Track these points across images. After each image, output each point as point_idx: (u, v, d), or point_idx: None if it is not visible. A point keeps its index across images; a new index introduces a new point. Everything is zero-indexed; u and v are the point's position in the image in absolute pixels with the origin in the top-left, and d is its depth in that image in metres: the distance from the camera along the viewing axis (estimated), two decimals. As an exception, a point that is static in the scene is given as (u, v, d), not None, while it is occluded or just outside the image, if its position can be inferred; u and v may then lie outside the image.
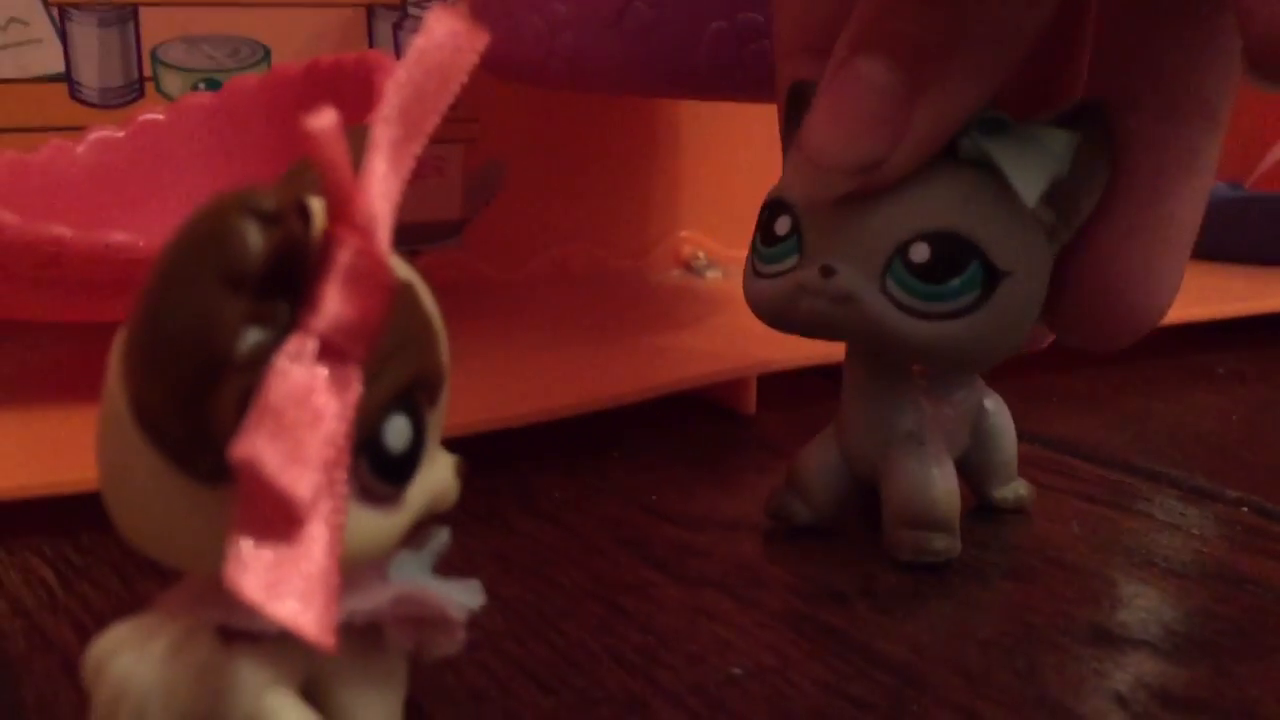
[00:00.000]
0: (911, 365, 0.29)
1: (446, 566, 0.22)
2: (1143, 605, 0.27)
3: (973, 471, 0.31)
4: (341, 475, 0.18)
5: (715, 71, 0.37)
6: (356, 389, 0.18)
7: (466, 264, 0.48)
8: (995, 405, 0.31)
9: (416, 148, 0.20)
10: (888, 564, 0.29)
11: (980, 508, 0.32)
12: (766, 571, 0.29)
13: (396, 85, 0.20)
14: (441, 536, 0.22)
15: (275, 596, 0.17)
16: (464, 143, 0.47)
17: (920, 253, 0.25)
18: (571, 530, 0.31)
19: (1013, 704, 0.23)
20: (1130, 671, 0.25)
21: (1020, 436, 0.32)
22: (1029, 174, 0.24)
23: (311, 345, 0.18)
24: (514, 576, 0.28)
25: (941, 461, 0.29)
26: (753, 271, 0.28)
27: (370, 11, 0.45)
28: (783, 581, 0.28)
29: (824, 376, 0.39)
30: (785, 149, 0.29)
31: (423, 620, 0.22)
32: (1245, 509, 0.33)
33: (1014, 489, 0.32)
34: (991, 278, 0.25)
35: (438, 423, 0.21)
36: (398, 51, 0.45)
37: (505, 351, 0.41)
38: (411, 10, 0.45)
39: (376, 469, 0.19)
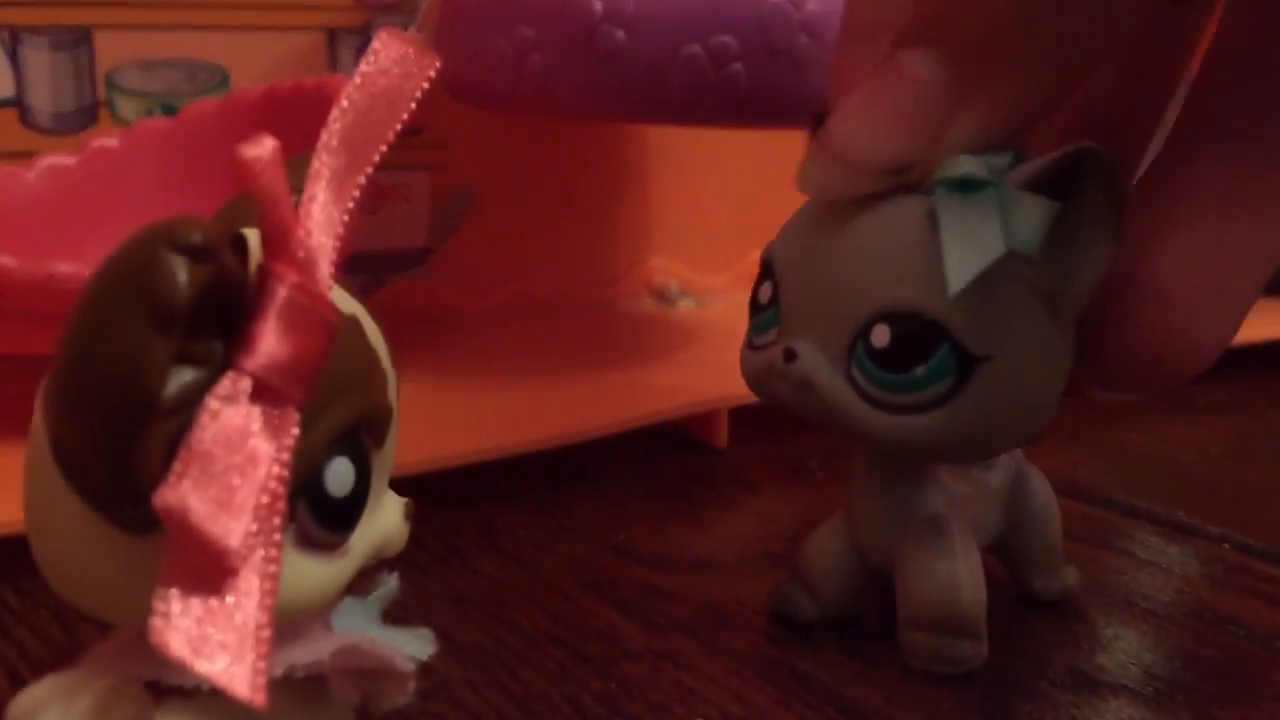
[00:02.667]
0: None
1: (400, 608, 0.21)
2: (1122, 648, 0.27)
3: (1010, 559, 0.28)
4: (277, 523, 0.17)
5: (688, 96, 0.35)
6: (294, 431, 0.17)
7: (433, 293, 0.47)
8: (1038, 483, 0.28)
9: (361, 177, 0.19)
10: (861, 605, 0.28)
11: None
12: (735, 614, 0.28)
13: (340, 112, 0.19)
14: (390, 583, 0.22)
15: (203, 653, 0.16)
16: (430, 169, 0.46)
17: (881, 336, 0.22)
18: (533, 570, 0.30)
19: (988, 755, 0.22)
20: (1110, 718, 0.24)
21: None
22: (966, 253, 0.21)
23: (245, 385, 0.17)
24: (472, 619, 0.27)
25: (966, 554, 0.25)
26: (746, 341, 0.26)
27: (332, 36, 0.44)
28: (752, 624, 0.27)
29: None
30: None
31: (369, 672, 0.21)
32: (1227, 545, 0.32)
33: (1060, 578, 0.28)
34: (965, 363, 0.22)
35: (385, 464, 0.20)
36: (361, 77, 0.45)
37: (470, 383, 0.40)
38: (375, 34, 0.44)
39: (317, 515, 0.18)
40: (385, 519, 0.20)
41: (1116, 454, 0.39)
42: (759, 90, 0.35)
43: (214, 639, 0.16)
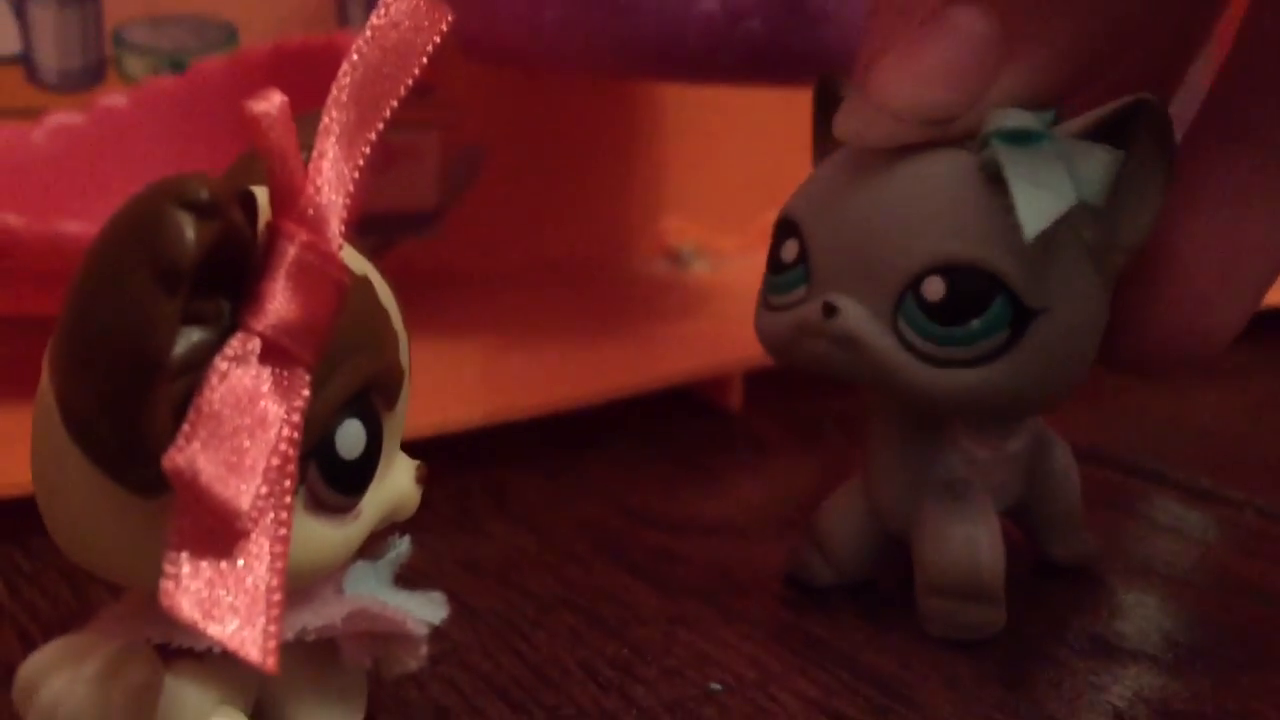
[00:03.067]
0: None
1: (412, 572, 0.21)
2: (1142, 614, 0.26)
3: (1029, 525, 0.28)
4: (288, 485, 0.17)
5: (705, 53, 0.35)
6: (304, 393, 0.17)
7: (443, 255, 0.47)
8: (1059, 449, 0.27)
9: (373, 133, 0.19)
10: (877, 570, 0.28)
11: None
12: (750, 578, 0.28)
13: (350, 67, 0.19)
14: (401, 546, 0.21)
15: (214, 616, 0.16)
16: (440, 128, 0.46)
17: (934, 289, 0.22)
18: (545, 534, 0.30)
19: (1005, 721, 0.22)
20: (1128, 684, 0.23)
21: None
22: (1039, 202, 0.21)
23: (255, 346, 0.17)
24: (483, 584, 0.27)
25: (986, 519, 0.24)
26: (762, 302, 0.25)
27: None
28: (767, 589, 0.27)
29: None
30: (815, 150, 0.27)
31: (380, 635, 0.21)
32: (1248, 511, 0.32)
33: (1080, 544, 0.28)
34: (1020, 316, 0.22)
35: (396, 426, 0.20)
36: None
37: (481, 346, 0.40)
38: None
39: (328, 477, 0.18)
40: (397, 482, 0.20)
41: (1137, 419, 0.39)
42: (775, 46, 0.34)
43: (225, 602, 0.16)
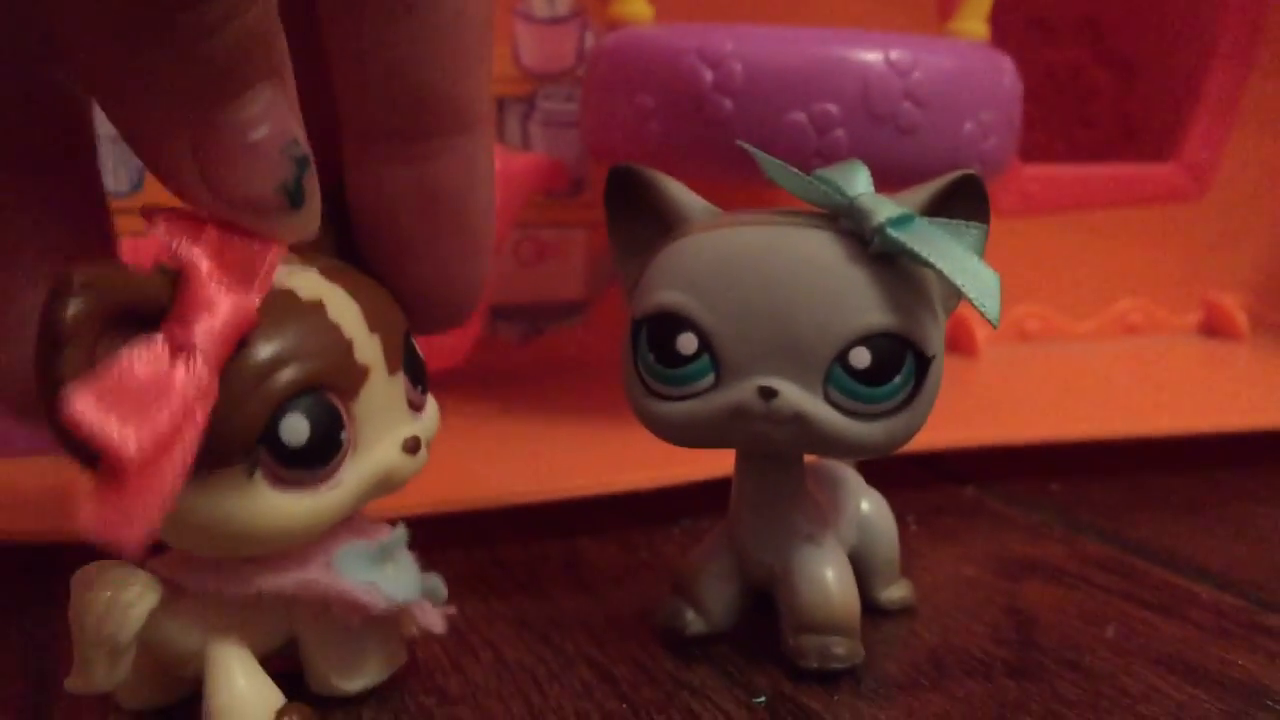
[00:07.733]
0: (801, 465, 0.28)
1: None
2: (1145, 712, 0.25)
3: (857, 573, 0.29)
4: (186, 446, 0.20)
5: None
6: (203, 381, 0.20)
7: (587, 342, 0.50)
8: (874, 503, 0.31)
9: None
10: (888, 651, 0.28)
11: (1011, 608, 0.31)
12: (761, 650, 0.28)
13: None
14: (398, 531, 0.25)
15: (110, 531, 0.19)
16: (588, 227, 0.49)
17: (861, 357, 0.25)
18: (601, 601, 0.32)
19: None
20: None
21: (1095, 535, 0.30)
22: (984, 285, 0.25)
23: (161, 343, 0.20)
24: (525, 640, 0.29)
25: (840, 563, 0.28)
26: (646, 392, 0.27)
27: (500, 104, 0.47)
28: (775, 657, 0.28)
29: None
30: (618, 248, 0.28)
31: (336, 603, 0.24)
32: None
33: (899, 589, 0.31)
34: (921, 365, 0.26)
35: (376, 409, 0.23)
36: (526, 144, 0.48)
37: (615, 425, 0.40)
38: (540, 102, 0.47)
39: (281, 459, 0.22)
40: (383, 454, 0.23)
41: (1235, 527, 0.36)
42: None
43: (117, 522, 0.19)
